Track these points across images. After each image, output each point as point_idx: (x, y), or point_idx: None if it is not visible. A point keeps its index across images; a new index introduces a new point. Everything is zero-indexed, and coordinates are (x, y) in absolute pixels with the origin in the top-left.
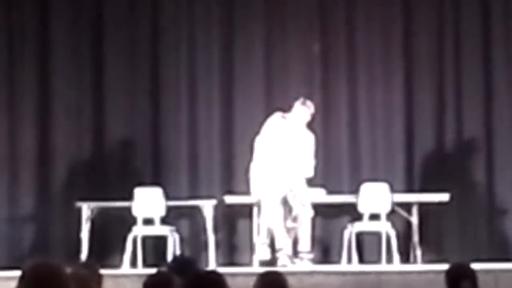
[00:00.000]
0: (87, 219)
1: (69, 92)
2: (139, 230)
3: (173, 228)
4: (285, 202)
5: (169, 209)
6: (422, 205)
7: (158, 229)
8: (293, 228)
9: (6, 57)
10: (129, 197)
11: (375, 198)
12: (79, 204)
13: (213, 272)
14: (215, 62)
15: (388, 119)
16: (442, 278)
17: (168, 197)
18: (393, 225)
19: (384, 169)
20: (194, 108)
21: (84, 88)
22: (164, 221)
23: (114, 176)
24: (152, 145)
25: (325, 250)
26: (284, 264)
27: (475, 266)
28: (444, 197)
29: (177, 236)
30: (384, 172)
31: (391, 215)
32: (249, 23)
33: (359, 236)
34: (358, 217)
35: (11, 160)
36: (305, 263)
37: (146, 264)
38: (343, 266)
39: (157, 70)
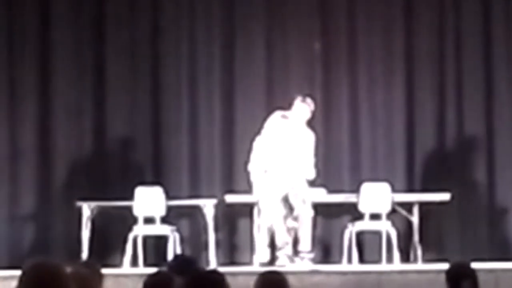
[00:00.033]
0: (87, 219)
1: (70, 92)
2: (139, 230)
3: (173, 227)
4: (286, 201)
5: (170, 208)
6: (422, 205)
7: (159, 229)
8: (294, 228)
9: (7, 57)
10: (130, 196)
11: (375, 197)
12: (80, 203)
13: (213, 272)
14: (216, 61)
15: (388, 118)
16: (442, 278)
17: (168, 196)
18: (394, 225)
19: (384, 169)
20: (195, 108)
21: (85, 87)
22: (165, 220)
23: (114, 176)
24: (153, 145)
25: (326, 250)
26: (282, 264)
27: (475, 265)
28: (444, 196)
29: (177, 236)
30: (384, 172)
31: (392, 214)
32: (249, 22)
33: (360, 235)
34: (358, 216)
35: (11, 159)
36: (305, 263)
37: (146, 264)
38: (343, 265)
39: (157, 70)
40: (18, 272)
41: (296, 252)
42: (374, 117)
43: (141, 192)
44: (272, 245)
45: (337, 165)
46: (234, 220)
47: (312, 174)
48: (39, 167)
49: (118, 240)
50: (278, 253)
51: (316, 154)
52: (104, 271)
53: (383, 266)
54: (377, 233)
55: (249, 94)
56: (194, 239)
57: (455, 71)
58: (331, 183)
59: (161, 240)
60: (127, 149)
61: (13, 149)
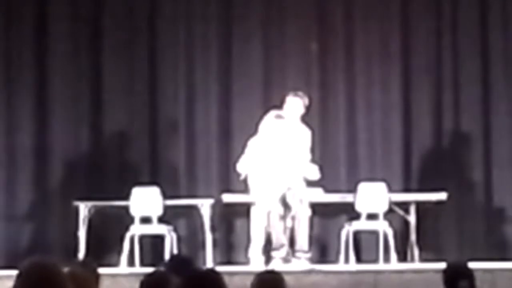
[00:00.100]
0: (84, 218)
1: (66, 92)
2: (136, 229)
3: (170, 227)
4: (283, 201)
5: (167, 208)
6: (419, 204)
7: (156, 228)
8: (291, 227)
9: (4, 56)
10: (127, 196)
11: (372, 197)
12: (77, 203)
13: (210, 271)
14: (213, 61)
15: (385, 118)
16: (439, 277)
17: (165, 196)
18: (391, 224)
19: (381, 168)
20: (192, 108)
21: (82, 87)
22: (162, 220)
23: (111, 175)
24: (150, 144)
25: (323, 249)
26: (275, 267)
27: (472, 265)
28: (441, 196)
29: (174, 235)
30: (381, 171)
31: (389, 214)
32: (247, 22)
33: (357, 235)
34: (355, 216)
35: (8, 158)
36: (302, 262)
37: (143, 263)
38: (340, 265)
39: (154, 70)
40: (14, 272)
41: (293, 251)
42: (371, 117)
43: (138, 191)
44: (267, 246)
45: (334, 164)
46: (231, 220)
47: (317, 174)
48: (36, 166)
49: (115, 240)
50: (273, 254)
51: (313, 151)
52: (101, 270)
53: (380, 266)
54: (374, 233)
55: (246, 94)
56: (191, 239)
57: (452, 71)
58: (328, 182)
59: (158, 240)
60: (124, 149)
61: (10, 148)
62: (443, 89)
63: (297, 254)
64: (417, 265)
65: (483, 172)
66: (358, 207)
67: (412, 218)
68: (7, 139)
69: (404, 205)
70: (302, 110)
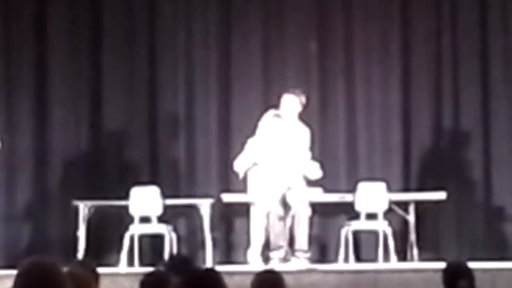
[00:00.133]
0: (84, 218)
1: (66, 91)
2: (136, 229)
3: (170, 226)
4: (283, 202)
5: (166, 207)
6: (419, 204)
7: (155, 228)
8: (291, 227)
9: (4, 55)
10: (126, 195)
11: (372, 197)
12: (76, 202)
13: (210, 270)
14: (213, 61)
15: (385, 118)
16: (439, 277)
17: (165, 195)
18: (390, 224)
19: (381, 168)
20: (191, 107)
21: (82, 86)
22: (161, 219)
23: (111, 175)
24: (149, 144)
25: (322, 249)
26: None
27: (472, 264)
28: (441, 195)
29: (174, 235)
30: (381, 171)
31: (388, 213)
32: (246, 21)
33: (356, 234)
34: (355, 215)
35: (7, 158)
36: (302, 262)
37: (143, 263)
38: (340, 264)
39: (154, 69)
40: (14, 272)
41: (292, 251)
42: (371, 117)
43: (137, 191)
44: (266, 246)
45: (333, 164)
46: (231, 219)
47: (318, 172)
48: (36, 166)
49: (115, 240)
50: (271, 254)
51: (313, 150)
52: (101, 270)
53: (380, 265)
54: (374, 232)
55: (245, 93)
56: (191, 239)
57: (452, 70)
58: (328, 182)
59: (158, 240)
60: (123, 148)
61: (9, 148)
62: (443, 89)
63: (297, 253)
64: (417, 264)
65: (482, 171)
66: (357, 207)
67: (411, 218)
68: (6, 139)
69: (404, 205)
70: (299, 108)
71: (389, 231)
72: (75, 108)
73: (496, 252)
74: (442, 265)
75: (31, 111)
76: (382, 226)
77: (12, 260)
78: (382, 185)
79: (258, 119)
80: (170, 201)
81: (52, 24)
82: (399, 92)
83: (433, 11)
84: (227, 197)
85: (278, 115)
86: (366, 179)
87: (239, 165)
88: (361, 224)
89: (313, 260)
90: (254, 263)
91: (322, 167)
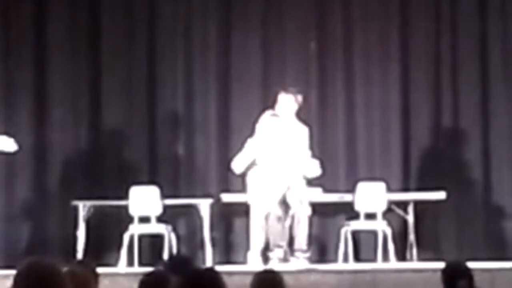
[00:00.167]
0: (83, 218)
1: (65, 90)
2: (135, 229)
3: (169, 226)
4: (283, 202)
5: (166, 207)
6: (418, 204)
7: (155, 228)
8: (290, 226)
9: (3, 55)
10: (126, 195)
11: (371, 196)
12: (76, 202)
13: (209, 270)
14: (212, 60)
15: (384, 117)
16: (438, 277)
17: (164, 195)
18: (389, 224)
19: (380, 168)
20: (191, 107)
21: (81, 86)
22: (161, 219)
23: (110, 175)
24: (149, 144)
25: (322, 249)
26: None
27: (471, 264)
28: (440, 195)
29: (173, 235)
30: (380, 171)
31: (387, 213)
32: (246, 21)
33: (356, 234)
34: (354, 215)
35: (7, 158)
36: (301, 262)
37: (142, 263)
38: (339, 264)
39: (153, 69)
40: (13, 272)
41: (292, 251)
42: (370, 116)
43: (136, 191)
44: (266, 246)
45: (332, 164)
46: (230, 219)
47: (318, 170)
48: (35, 166)
49: (114, 239)
50: (270, 254)
51: (312, 149)
52: (100, 270)
53: (379, 265)
54: (373, 232)
55: (245, 93)
56: (190, 238)
57: (451, 70)
58: (327, 182)
59: (157, 239)
60: (123, 148)
61: None
62: (442, 89)
63: (296, 253)
64: (416, 264)
65: (482, 171)
66: (357, 207)
67: (410, 218)
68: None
69: (403, 205)
70: (295, 106)
71: (388, 231)
72: (75, 107)
73: (496, 252)
74: (441, 265)
75: (30, 111)
76: (381, 226)
77: (12, 260)
78: (381, 185)
79: (256, 120)
80: (169, 201)
81: (52, 24)
82: (398, 92)
83: (432, 11)
84: (226, 197)
85: (275, 115)
86: (365, 179)
87: (237, 164)
88: (361, 224)
89: (312, 260)
90: (254, 263)
91: (322, 165)
